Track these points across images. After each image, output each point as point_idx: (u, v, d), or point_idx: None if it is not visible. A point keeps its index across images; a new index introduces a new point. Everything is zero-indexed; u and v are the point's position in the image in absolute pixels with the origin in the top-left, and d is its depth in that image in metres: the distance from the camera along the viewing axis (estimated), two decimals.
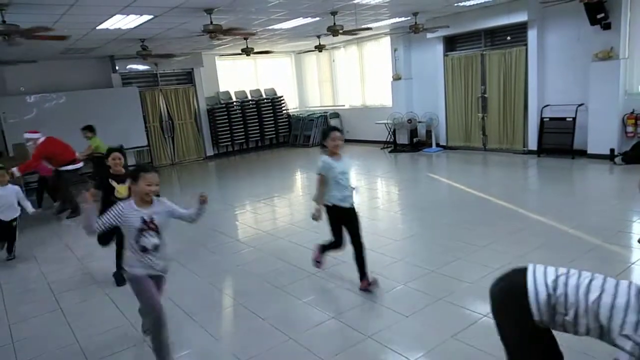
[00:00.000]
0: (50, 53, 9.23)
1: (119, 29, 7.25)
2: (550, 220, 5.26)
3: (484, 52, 9.64)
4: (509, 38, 9.25)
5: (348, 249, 3.90)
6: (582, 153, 8.30)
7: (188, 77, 12.48)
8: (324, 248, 4.09)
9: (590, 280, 1.81)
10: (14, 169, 6.49)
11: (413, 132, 11.15)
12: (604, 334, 1.75)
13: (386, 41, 11.64)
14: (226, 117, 12.80)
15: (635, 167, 7.38)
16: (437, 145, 10.83)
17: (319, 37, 10.42)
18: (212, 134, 12.83)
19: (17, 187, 5.61)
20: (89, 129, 7.90)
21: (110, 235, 4.33)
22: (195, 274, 4.70)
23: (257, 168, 11.24)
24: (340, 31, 7.77)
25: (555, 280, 1.85)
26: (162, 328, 2.86)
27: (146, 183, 2.76)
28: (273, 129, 13.77)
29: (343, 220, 3.83)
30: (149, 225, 2.79)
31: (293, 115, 14.29)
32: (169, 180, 10.67)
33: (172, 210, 2.95)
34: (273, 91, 13.84)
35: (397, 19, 9.31)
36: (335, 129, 3.84)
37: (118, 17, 6.42)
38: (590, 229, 4.85)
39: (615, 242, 4.52)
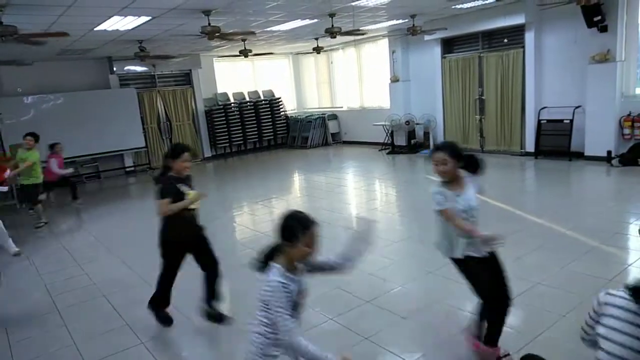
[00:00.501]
0: (48, 54, 9.21)
1: (117, 30, 7.24)
2: (548, 222, 5.27)
3: (482, 54, 9.67)
4: (506, 40, 9.27)
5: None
6: (579, 155, 8.32)
7: (186, 79, 12.47)
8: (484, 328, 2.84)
9: None
10: None
11: (411, 134, 11.17)
12: None
13: (384, 43, 11.66)
14: (224, 118, 12.79)
15: (632, 169, 7.41)
16: None
17: (317, 39, 10.44)
18: (210, 136, 12.82)
19: None
20: (33, 136, 6.90)
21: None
22: (193, 275, 4.68)
23: (255, 169, 11.24)
24: (338, 33, 7.78)
25: None
26: None
27: None
28: (271, 130, 13.76)
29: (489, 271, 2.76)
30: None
31: (291, 116, 14.30)
32: None
33: None
34: (271, 93, 13.85)
35: (395, 21, 9.32)
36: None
37: (116, 18, 6.41)
38: (588, 231, 4.86)
39: (612, 243, 4.54)
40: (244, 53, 9.63)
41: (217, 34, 6.78)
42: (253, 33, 7.79)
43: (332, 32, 7.69)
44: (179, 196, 3.29)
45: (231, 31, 7.22)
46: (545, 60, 8.76)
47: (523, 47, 8.88)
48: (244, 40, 9.11)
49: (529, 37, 8.72)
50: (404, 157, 10.77)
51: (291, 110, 14.64)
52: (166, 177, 3.33)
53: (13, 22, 5.14)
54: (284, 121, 14.12)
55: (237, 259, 5.12)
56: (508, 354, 2.78)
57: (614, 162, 7.73)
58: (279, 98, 13.91)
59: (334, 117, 13.83)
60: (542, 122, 8.81)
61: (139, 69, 11.27)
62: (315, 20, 8.04)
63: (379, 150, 11.67)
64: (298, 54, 14.37)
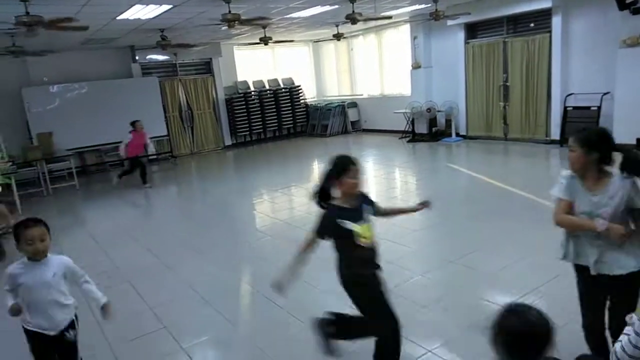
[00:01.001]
0: (72, 43, 9.37)
1: (139, 19, 7.31)
2: None
3: (506, 40, 9.42)
4: (532, 25, 9.01)
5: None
6: None
7: (206, 67, 12.53)
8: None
9: None
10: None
11: (432, 122, 11.01)
12: None
13: (406, 29, 11.46)
14: (244, 106, 12.83)
15: None
16: (457, 134, 10.68)
17: (337, 25, 10.33)
18: (230, 124, 12.89)
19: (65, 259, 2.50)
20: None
21: None
22: (213, 261, 4.76)
23: (274, 158, 11.28)
24: (359, 19, 7.68)
25: None
26: None
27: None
28: (291, 118, 13.75)
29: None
30: None
31: (311, 104, 14.25)
32: (189, 170, 10.82)
33: None
34: (291, 80, 13.81)
35: (417, 6, 9.14)
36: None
37: (138, 7, 6.46)
38: None
39: None
40: (264, 41, 9.60)
41: (237, 21, 6.77)
42: (270, 20, 7.71)
43: (352, 18, 7.58)
44: (339, 234, 2.39)
45: (250, 18, 7.19)
46: (573, 45, 8.47)
47: (550, 31, 8.61)
48: (264, 27, 9.08)
49: (556, 21, 8.44)
50: (425, 145, 10.63)
51: (311, 98, 14.59)
52: (329, 207, 2.43)
53: (38, 13, 5.23)
54: (304, 109, 14.08)
55: (255, 246, 5.18)
56: None
57: None
58: (299, 86, 13.87)
59: (353, 104, 13.73)
60: (568, 109, 8.57)
61: (160, 57, 11.37)
62: (336, 6, 7.95)
63: (399, 138, 11.55)
64: (318, 41, 14.26)
